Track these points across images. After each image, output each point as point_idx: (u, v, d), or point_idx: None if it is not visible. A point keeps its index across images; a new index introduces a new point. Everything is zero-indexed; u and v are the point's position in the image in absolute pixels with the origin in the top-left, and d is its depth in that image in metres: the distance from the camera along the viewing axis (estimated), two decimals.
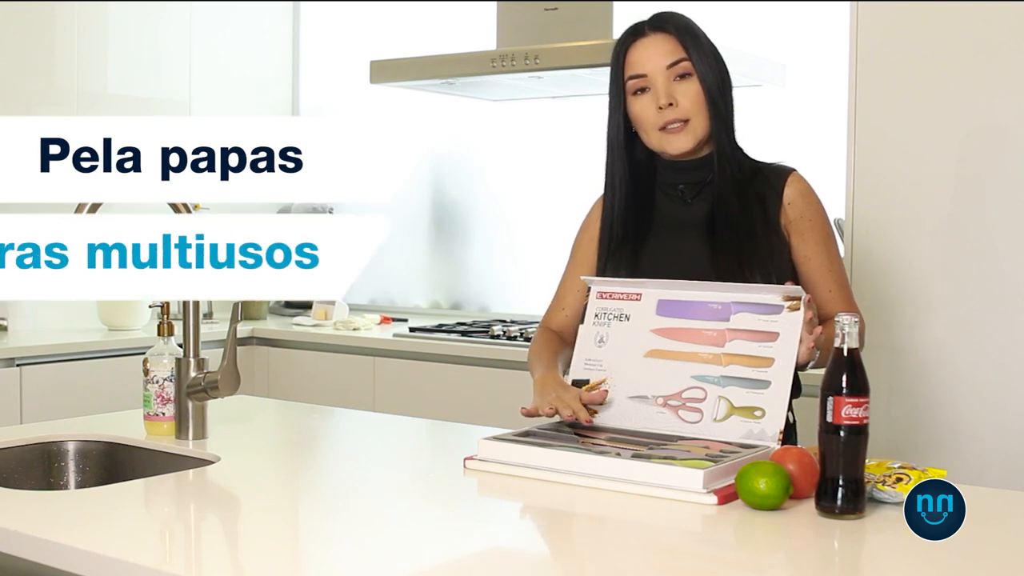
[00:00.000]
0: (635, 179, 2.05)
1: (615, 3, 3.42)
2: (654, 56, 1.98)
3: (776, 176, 2.01)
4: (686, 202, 2.03)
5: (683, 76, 1.98)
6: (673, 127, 1.97)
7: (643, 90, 1.99)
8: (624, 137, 2.03)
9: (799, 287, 1.80)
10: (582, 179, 3.97)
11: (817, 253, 1.99)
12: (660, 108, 1.97)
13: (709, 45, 2.01)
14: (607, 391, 1.89)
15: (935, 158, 2.79)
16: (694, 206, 2.03)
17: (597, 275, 2.06)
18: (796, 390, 1.95)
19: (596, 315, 1.96)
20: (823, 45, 3.39)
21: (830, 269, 2.00)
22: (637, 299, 1.93)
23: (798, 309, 1.79)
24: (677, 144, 1.98)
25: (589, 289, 1.99)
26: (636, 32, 2.02)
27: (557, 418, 1.91)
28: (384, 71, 3.78)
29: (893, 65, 2.84)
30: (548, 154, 4.06)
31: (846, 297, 2.00)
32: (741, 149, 2.03)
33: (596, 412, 1.89)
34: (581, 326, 1.97)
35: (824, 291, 1.98)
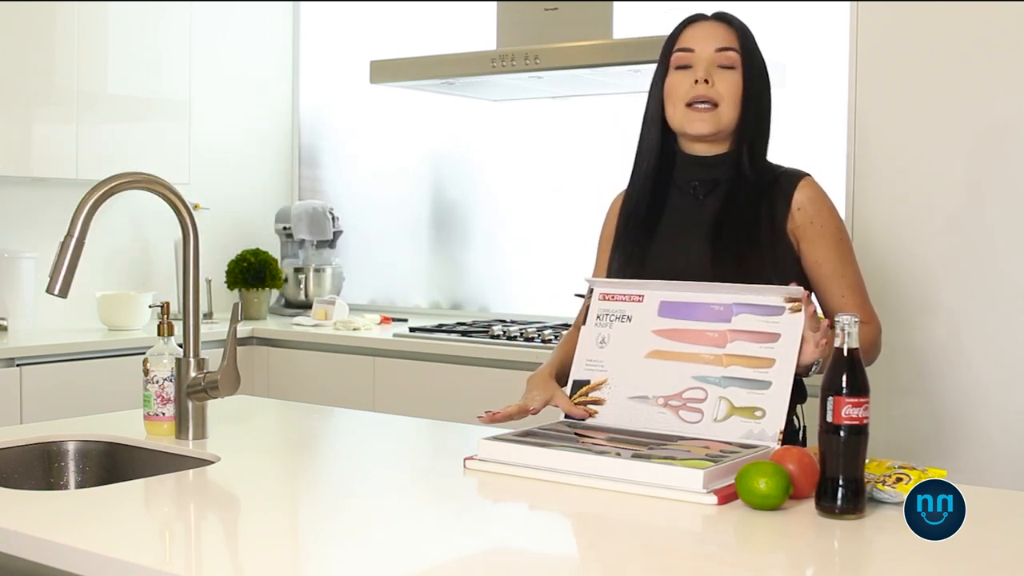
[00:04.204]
0: (663, 155, 2.04)
1: (615, 3, 3.42)
2: (706, 36, 1.99)
3: (787, 181, 2.00)
4: (698, 199, 2.03)
5: (728, 67, 1.98)
6: (701, 106, 1.97)
7: (686, 67, 1.99)
8: (661, 113, 2.03)
9: (800, 288, 1.79)
10: (582, 179, 3.99)
11: (828, 259, 1.97)
12: (695, 82, 1.97)
13: (761, 58, 2.02)
14: (593, 410, 1.90)
15: (935, 158, 2.79)
16: (705, 205, 2.01)
17: (611, 265, 2.07)
18: (802, 395, 1.95)
19: (598, 316, 1.96)
20: (823, 45, 3.39)
21: (842, 274, 1.98)
22: (639, 300, 1.93)
23: (799, 310, 1.78)
24: (699, 125, 1.97)
25: (591, 290, 1.99)
26: (696, 18, 2.04)
27: (556, 418, 1.91)
28: (384, 71, 3.78)
29: (893, 65, 2.84)
30: (548, 154, 4.06)
31: (860, 302, 1.98)
32: (768, 161, 2.03)
33: (596, 413, 1.89)
34: (583, 327, 1.97)
35: (837, 296, 1.97)
